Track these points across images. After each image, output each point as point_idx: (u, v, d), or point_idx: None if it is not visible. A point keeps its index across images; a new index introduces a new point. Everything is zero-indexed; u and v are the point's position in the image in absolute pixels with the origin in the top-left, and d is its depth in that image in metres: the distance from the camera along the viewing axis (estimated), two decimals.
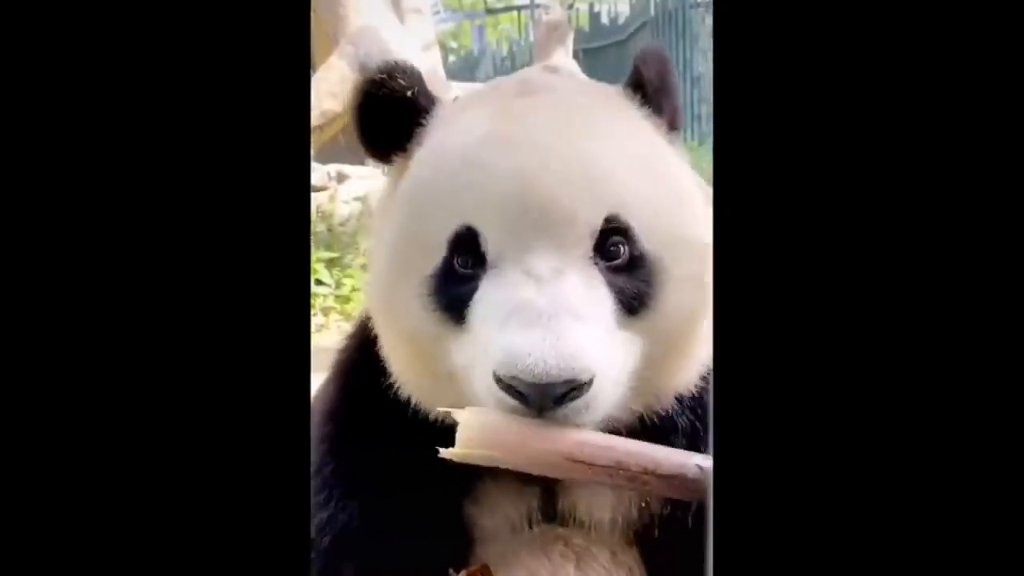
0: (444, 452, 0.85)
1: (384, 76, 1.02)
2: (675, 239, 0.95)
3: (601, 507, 0.98)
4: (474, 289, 0.92)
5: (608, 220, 0.93)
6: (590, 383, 0.85)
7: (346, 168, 6.08)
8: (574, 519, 0.99)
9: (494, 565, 0.96)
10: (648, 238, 0.95)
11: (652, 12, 9.79)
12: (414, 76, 1.03)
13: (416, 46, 6.60)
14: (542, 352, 0.83)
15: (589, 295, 0.90)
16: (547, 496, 0.99)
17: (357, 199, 5.70)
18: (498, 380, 0.86)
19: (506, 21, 13.95)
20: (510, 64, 11.40)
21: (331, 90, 5.99)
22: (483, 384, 0.88)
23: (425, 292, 0.94)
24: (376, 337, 1.04)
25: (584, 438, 0.86)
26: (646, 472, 0.86)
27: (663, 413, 0.96)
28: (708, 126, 8.49)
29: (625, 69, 1.11)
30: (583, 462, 0.86)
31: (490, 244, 0.92)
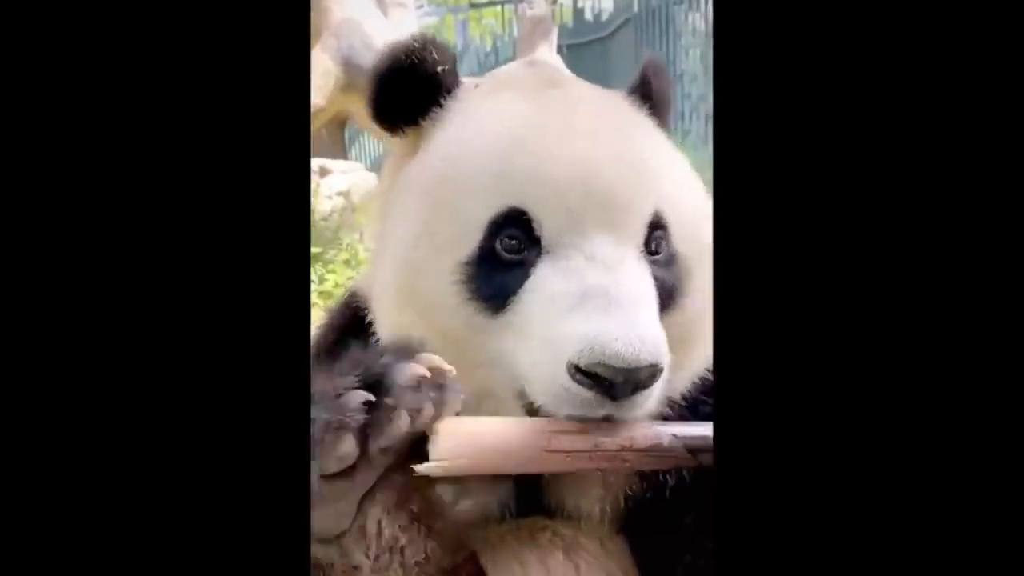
0: (420, 468, 0.83)
1: (417, 46, 1.00)
2: (698, 243, 0.97)
3: (589, 498, 0.98)
4: (523, 276, 0.90)
5: (655, 214, 0.94)
6: (663, 370, 0.85)
7: (328, 163, 6.05)
8: (562, 511, 0.99)
9: (480, 552, 0.97)
10: (679, 237, 0.96)
11: (635, 8, 9.81)
12: (447, 54, 1.02)
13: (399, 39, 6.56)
14: (629, 337, 0.81)
15: (647, 285, 0.90)
16: (535, 489, 0.99)
17: (340, 194, 5.67)
18: (576, 370, 0.83)
19: (490, 16, 13.91)
20: (494, 59, 11.38)
21: (314, 83, 5.94)
22: (549, 377, 0.85)
23: (460, 279, 0.91)
24: (353, 325, 1.03)
25: (557, 427, 0.86)
26: (623, 449, 0.86)
27: (665, 411, 0.96)
28: (690, 123, 8.54)
29: (608, 66, 1.13)
30: (561, 451, 0.85)
31: (545, 228, 0.90)
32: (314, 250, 4.61)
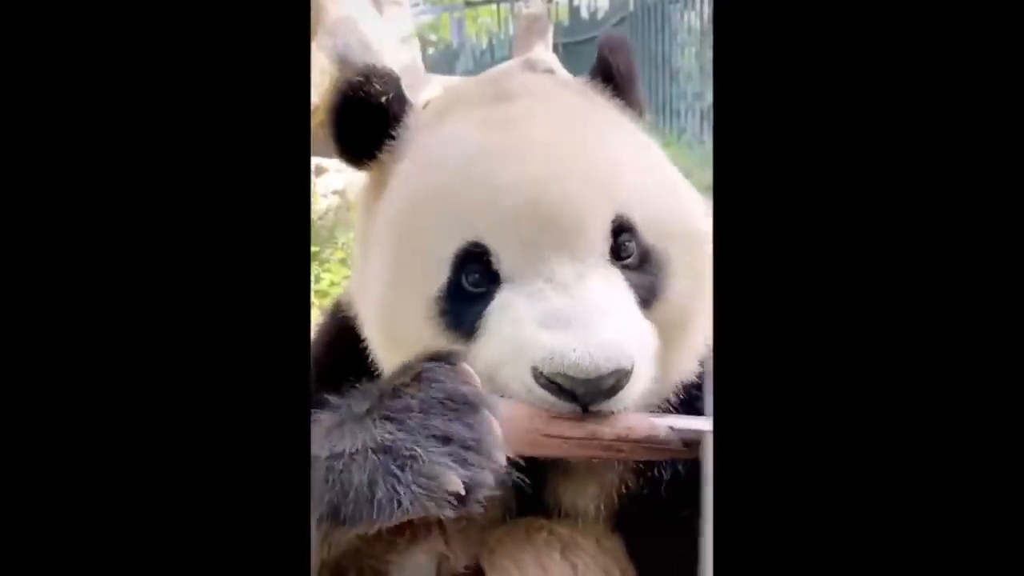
0: None
1: (361, 79, 1.00)
2: (672, 230, 0.97)
3: (585, 497, 0.99)
4: (488, 302, 0.91)
5: (616, 219, 0.94)
6: (632, 371, 0.86)
7: (324, 161, 6.03)
8: (559, 510, 1.00)
9: (479, 554, 0.97)
10: (650, 232, 0.96)
11: (631, 7, 9.82)
12: (390, 81, 1.01)
13: (394, 38, 6.56)
14: (586, 347, 0.83)
15: (613, 293, 0.91)
16: (532, 489, 0.99)
17: (335, 192, 5.66)
18: (539, 376, 0.85)
19: (485, 14, 13.89)
20: (489, 57, 11.38)
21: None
22: (518, 384, 0.87)
23: (434, 314, 0.93)
24: (347, 331, 1.03)
25: (556, 413, 0.87)
26: (619, 439, 0.87)
27: (664, 403, 0.97)
28: (687, 121, 8.55)
29: None
30: (559, 436, 0.86)
31: (503, 260, 0.91)
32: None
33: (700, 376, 1.00)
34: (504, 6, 12.46)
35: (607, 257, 0.93)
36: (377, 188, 1.03)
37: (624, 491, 0.97)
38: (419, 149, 0.99)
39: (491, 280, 0.92)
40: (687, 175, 1.11)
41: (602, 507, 0.99)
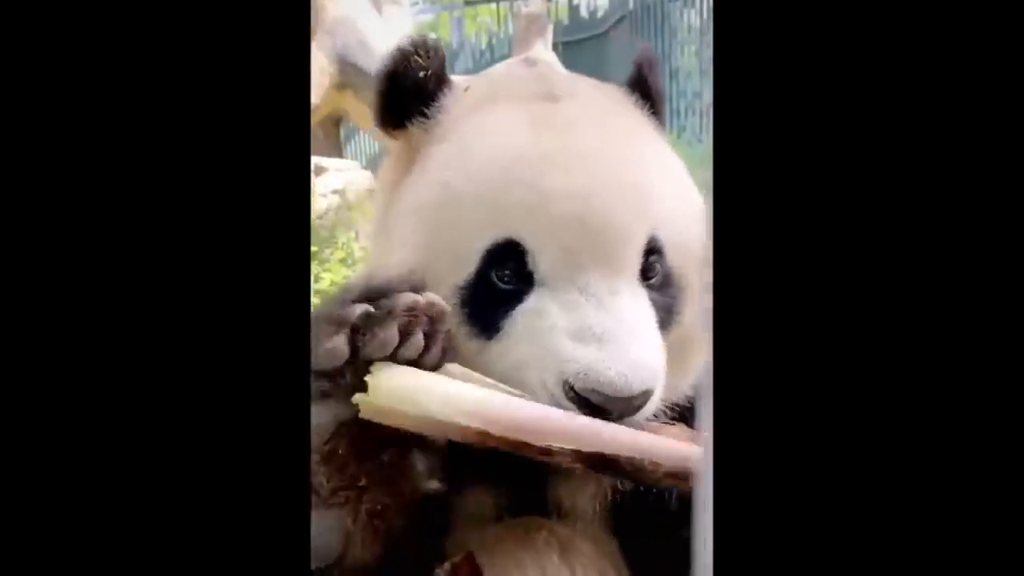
0: (356, 397, 0.83)
1: (408, 49, 1.00)
2: (693, 255, 0.98)
3: (584, 497, 0.99)
4: (518, 304, 0.91)
5: (650, 240, 0.94)
6: (653, 392, 0.88)
7: (324, 161, 6.03)
8: (559, 511, 1.00)
9: (477, 553, 0.96)
10: (674, 255, 0.97)
11: (631, 5, 9.82)
12: (434, 57, 1.01)
13: (394, 38, 6.56)
14: (622, 366, 0.84)
15: (642, 312, 0.92)
16: (530, 488, 0.99)
17: (335, 192, 5.66)
18: (569, 390, 0.86)
19: (485, 13, 13.88)
20: (489, 56, 11.36)
21: None
22: (543, 392, 0.88)
23: (456, 303, 0.92)
24: None
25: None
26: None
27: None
28: (686, 119, 8.55)
29: (604, 63, 1.12)
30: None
31: (540, 262, 0.91)
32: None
33: (689, 399, 1.00)
34: (503, 5, 12.44)
35: (637, 276, 0.93)
36: (405, 163, 1.02)
37: (621, 490, 0.97)
38: (461, 135, 0.99)
39: (523, 280, 0.92)
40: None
41: (598, 507, 0.99)
